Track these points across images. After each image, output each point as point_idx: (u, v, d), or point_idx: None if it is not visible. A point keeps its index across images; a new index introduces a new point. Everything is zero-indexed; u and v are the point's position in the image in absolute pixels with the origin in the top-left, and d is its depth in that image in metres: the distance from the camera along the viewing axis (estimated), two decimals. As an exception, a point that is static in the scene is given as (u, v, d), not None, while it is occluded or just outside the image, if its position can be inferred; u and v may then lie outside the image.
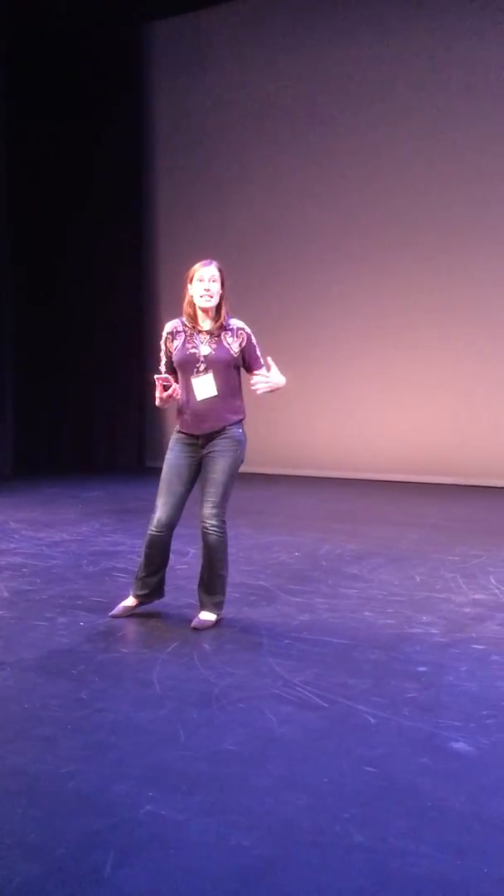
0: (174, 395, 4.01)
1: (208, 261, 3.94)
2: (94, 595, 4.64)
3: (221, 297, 3.93)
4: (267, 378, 3.95)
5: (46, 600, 4.55)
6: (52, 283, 10.88)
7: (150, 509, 4.20)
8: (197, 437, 4.00)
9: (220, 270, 3.91)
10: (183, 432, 4.03)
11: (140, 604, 4.24)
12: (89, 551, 5.78)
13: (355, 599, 4.61)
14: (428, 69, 9.06)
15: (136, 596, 4.23)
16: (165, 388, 3.98)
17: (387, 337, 9.48)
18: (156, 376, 3.99)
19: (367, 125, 9.43)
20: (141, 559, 4.21)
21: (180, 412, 4.04)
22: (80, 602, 4.50)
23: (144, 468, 10.49)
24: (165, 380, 3.97)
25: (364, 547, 5.96)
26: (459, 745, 2.81)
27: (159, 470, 4.13)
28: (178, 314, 4.06)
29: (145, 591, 4.21)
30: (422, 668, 3.53)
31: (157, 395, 3.98)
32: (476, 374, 9.06)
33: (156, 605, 4.39)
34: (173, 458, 4.03)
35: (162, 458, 4.13)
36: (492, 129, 8.79)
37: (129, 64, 10.64)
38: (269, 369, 3.97)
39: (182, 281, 4.01)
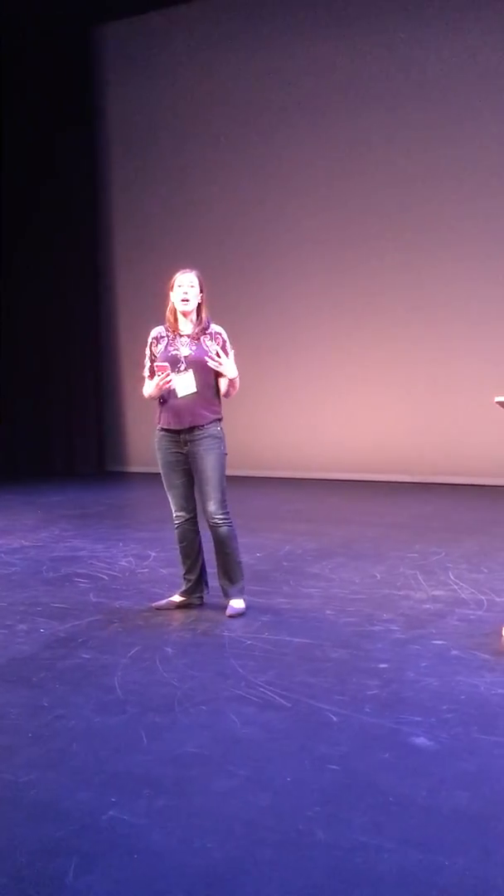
0: (169, 386, 4.19)
1: (188, 269, 4.25)
2: (54, 601, 4.60)
3: (201, 302, 4.22)
4: (221, 361, 4.15)
5: (6, 608, 4.50)
6: (5, 288, 10.76)
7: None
8: (178, 431, 4.21)
9: (198, 278, 4.22)
10: (164, 429, 4.26)
11: (184, 600, 4.43)
12: (49, 557, 5.73)
13: (317, 599, 4.64)
14: (387, 65, 9.08)
15: (180, 593, 4.45)
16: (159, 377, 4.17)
17: (344, 337, 9.54)
18: (155, 364, 4.20)
19: (327, 124, 9.48)
20: (178, 556, 4.45)
21: (161, 409, 4.27)
22: (39, 609, 4.46)
23: (105, 472, 10.43)
24: (163, 367, 4.15)
25: (325, 546, 5.99)
26: (420, 740, 2.84)
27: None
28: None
29: (187, 588, 4.43)
30: (383, 665, 3.56)
31: (157, 382, 4.14)
32: (433, 373, 9.16)
33: (118, 609, 4.38)
34: (162, 457, 4.29)
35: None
36: (471, 129, 8.83)
37: (81, 65, 10.56)
38: (227, 355, 4.21)
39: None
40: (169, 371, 4.15)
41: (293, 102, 9.60)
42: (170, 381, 4.16)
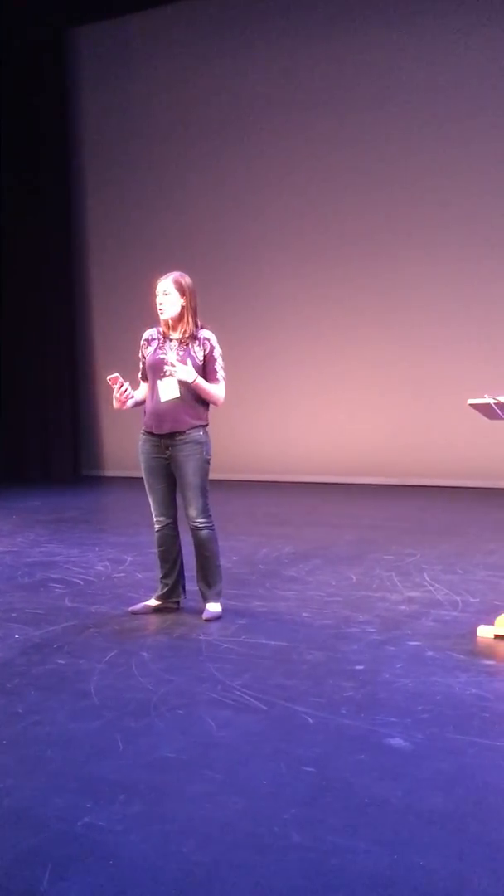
0: (127, 396, 4.21)
1: (169, 274, 4.16)
2: (29, 607, 4.57)
3: (184, 308, 4.13)
4: (177, 368, 4.07)
5: (-20, 614, 4.46)
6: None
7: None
8: (159, 436, 4.19)
9: (176, 282, 4.12)
10: (147, 432, 4.24)
11: (160, 604, 4.43)
12: (24, 562, 5.69)
13: (293, 601, 4.64)
14: (381, 65, 9.10)
15: (157, 597, 4.45)
16: (121, 390, 4.21)
17: (320, 340, 9.57)
18: (108, 377, 4.19)
19: (299, 129, 9.50)
20: (156, 560, 4.44)
21: (145, 412, 4.26)
22: (14, 614, 4.43)
23: (80, 477, 10.37)
24: (114, 379, 4.17)
25: (301, 549, 6.00)
26: (396, 741, 2.85)
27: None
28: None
29: (164, 592, 4.42)
30: (359, 667, 3.57)
31: (114, 395, 4.20)
32: (407, 375, 9.21)
33: (93, 614, 4.36)
34: (144, 460, 4.27)
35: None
36: (455, 129, 8.90)
37: (55, 69, 10.51)
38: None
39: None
40: (121, 381, 4.15)
41: (274, 105, 9.61)
42: (125, 390, 4.16)
